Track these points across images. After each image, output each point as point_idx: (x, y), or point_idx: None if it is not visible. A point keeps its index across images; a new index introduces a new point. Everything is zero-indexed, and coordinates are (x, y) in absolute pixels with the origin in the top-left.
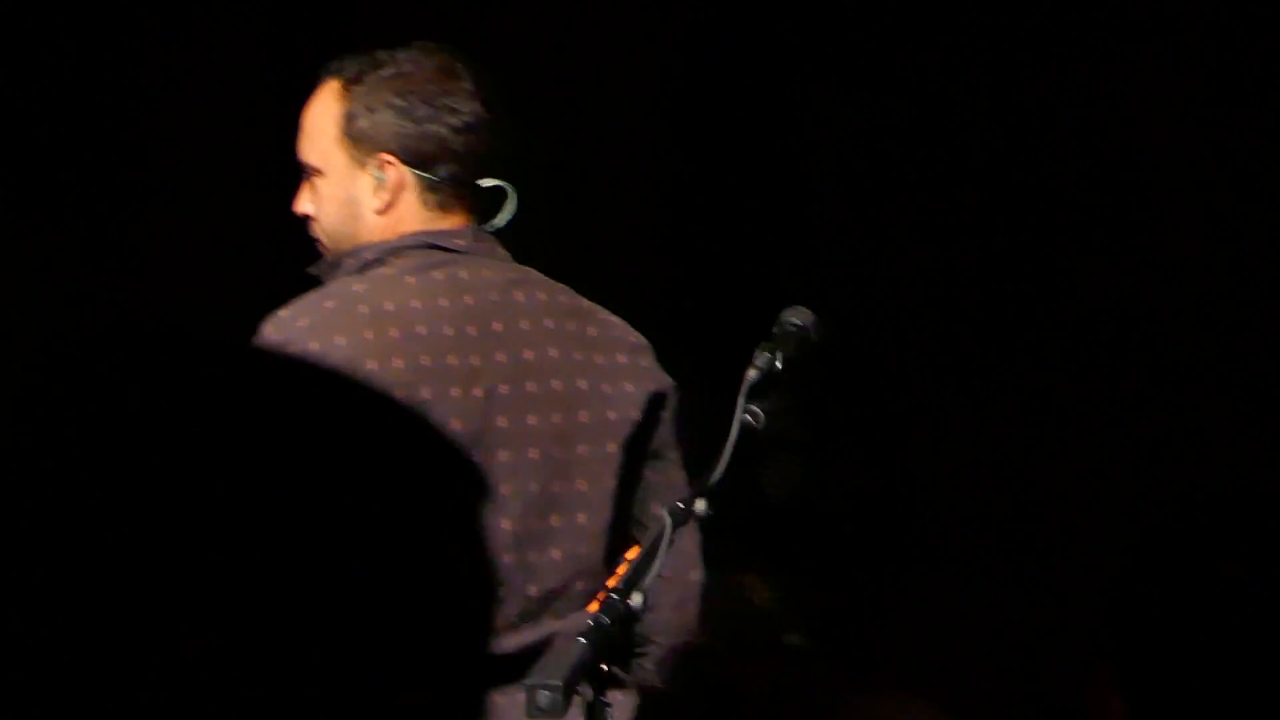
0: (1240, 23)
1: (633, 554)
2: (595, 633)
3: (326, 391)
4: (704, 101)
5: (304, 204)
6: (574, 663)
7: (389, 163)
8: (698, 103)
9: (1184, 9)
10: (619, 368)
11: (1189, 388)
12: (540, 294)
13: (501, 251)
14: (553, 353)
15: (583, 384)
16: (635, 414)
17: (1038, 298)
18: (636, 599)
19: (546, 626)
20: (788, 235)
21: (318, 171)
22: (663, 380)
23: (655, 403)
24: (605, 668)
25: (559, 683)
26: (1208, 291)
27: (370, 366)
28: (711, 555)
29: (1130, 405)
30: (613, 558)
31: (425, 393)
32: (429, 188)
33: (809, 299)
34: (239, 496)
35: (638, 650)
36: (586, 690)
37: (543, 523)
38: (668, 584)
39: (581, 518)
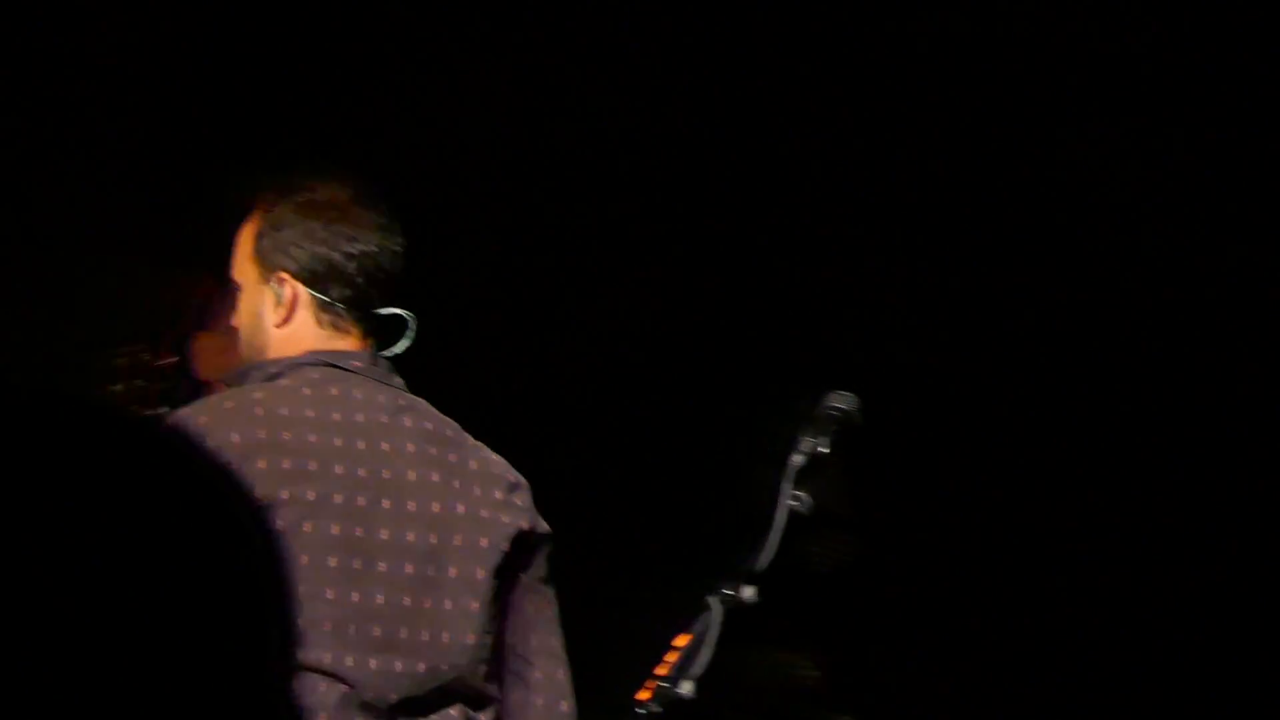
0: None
1: (682, 642)
2: None
3: (213, 483)
4: (745, 188)
5: (234, 317)
6: None
7: (285, 280)
8: (739, 191)
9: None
10: (495, 501)
11: (1227, 477)
12: (427, 423)
13: (397, 380)
14: (434, 477)
15: (460, 509)
16: (506, 545)
17: (1083, 371)
18: (687, 686)
19: None
20: (831, 318)
21: (237, 287)
22: (537, 521)
23: (527, 539)
24: None
25: None
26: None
27: (259, 464)
28: (759, 633)
29: (1169, 478)
30: (474, 674)
31: (310, 494)
32: (322, 308)
33: (852, 382)
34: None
35: None
36: None
37: (411, 634)
38: (537, 713)
39: (445, 635)
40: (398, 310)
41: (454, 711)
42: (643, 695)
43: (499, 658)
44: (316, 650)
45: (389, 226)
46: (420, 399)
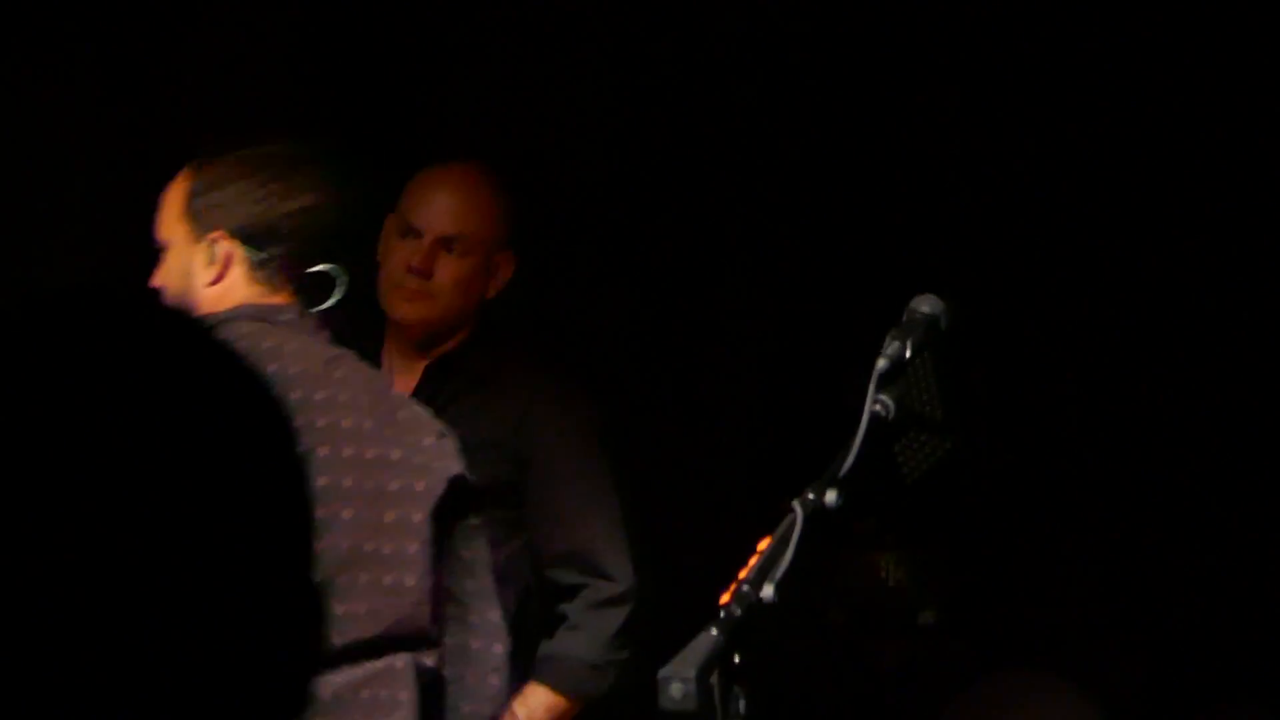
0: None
1: (764, 545)
2: (726, 623)
3: (147, 432)
4: (827, 88)
5: (157, 277)
6: (706, 653)
7: (219, 239)
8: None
9: None
10: (427, 447)
11: None
12: (358, 374)
13: (326, 333)
14: (368, 424)
15: (395, 455)
16: (440, 489)
17: (1174, 280)
18: (768, 590)
19: (347, 675)
20: (914, 220)
21: (165, 246)
22: (462, 468)
23: (459, 485)
24: (737, 659)
25: (692, 674)
26: None
27: None
28: (846, 534)
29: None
30: (417, 616)
31: None
32: (257, 265)
33: (938, 285)
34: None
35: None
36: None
37: (351, 578)
38: (474, 655)
39: (387, 578)
40: (328, 266)
41: (398, 661)
42: (725, 597)
43: (438, 601)
44: None
45: (328, 182)
46: (350, 350)
